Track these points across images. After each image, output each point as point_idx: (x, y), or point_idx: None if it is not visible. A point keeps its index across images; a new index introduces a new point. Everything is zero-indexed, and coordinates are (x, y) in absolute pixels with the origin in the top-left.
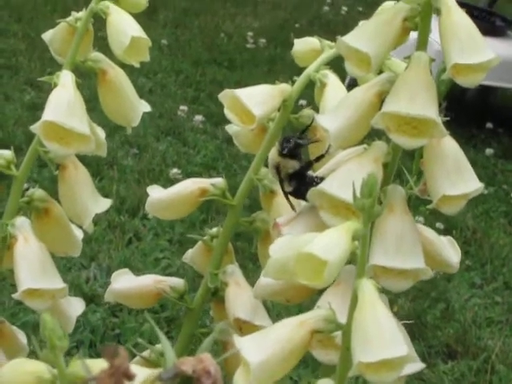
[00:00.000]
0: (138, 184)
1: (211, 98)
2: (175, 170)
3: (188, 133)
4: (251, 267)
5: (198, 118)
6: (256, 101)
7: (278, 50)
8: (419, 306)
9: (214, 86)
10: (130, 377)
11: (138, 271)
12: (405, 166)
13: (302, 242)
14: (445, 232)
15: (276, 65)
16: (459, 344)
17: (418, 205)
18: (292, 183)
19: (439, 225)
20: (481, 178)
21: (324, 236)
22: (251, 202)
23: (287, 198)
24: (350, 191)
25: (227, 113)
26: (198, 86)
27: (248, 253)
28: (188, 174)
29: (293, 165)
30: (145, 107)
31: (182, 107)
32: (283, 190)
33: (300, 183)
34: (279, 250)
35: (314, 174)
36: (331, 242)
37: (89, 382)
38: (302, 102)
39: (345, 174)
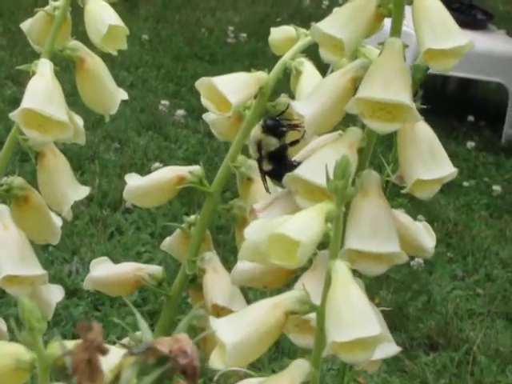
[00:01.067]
0: (119, 178)
1: (192, 93)
2: (157, 165)
3: (169, 127)
4: (232, 260)
5: (180, 112)
6: (232, 88)
7: (259, 44)
8: (401, 298)
9: (195, 80)
10: (104, 351)
11: None
12: (385, 158)
13: (276, 223)
14: None
15: (257, 59)
16: (441, 336)
17: (396, 193)
18: (271, 163)
19: (420, 217)
20: (462, 171)
21: (297, 217)
22: (232, 195)
23: (264, 179)
24: (324, 177)
25: (204, 101)
26: (179, 80)
27: (229, 246)
28: None
29: (274, 143)
30: (122, 95)
31: (163, 102)
32: (261, 168)
33: (279, 164)
34: (254, 232)
35: (293, 158)
36: (304, 223)
37: (64, 357)
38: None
39: (320, 160)
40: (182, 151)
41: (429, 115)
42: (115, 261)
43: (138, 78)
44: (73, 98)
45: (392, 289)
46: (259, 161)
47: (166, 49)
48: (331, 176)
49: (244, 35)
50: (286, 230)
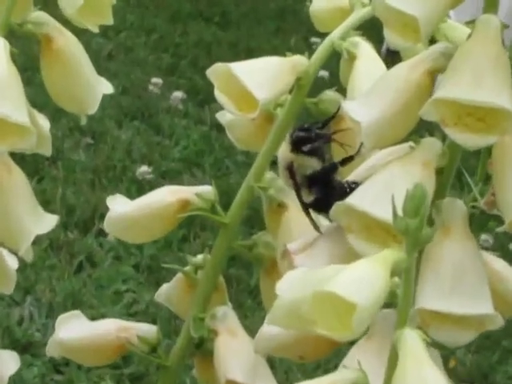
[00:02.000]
0: (91, 187)
1: (195, 68)
2: (144, 168)
3: (163, 116)
4: (249, 304)
5: (177, 94)
6: (259, 80)
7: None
8: (485, 361)
9: (200, 50)
10: None
11: (91, 309)
12: (466, 169)
13: (322, 277)
14: None
15: (286, 21)
16: None
17: (485, 222)
18: (313, 190)
19: None
20: None
21: (352, 269)
22: (251, 212)
23: (307, 213)
24: (388, 207)
25: (219, 96)
26: (178, 50)
27: (245, 284)
28: (162, 174)
29: (312, 164)
30: (105, 88)
31: (154, 80)
32: (301, 200)
33: (325, 190)
34: (290, 288)
35: (344, 180)
36: (362, 278)
37: None
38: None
39: (382, 184)
40: (179, 149)
41: None
42: (84, 303)
43: (119, 47)
44: (27, 74)
45: (473, 347)
46: (297, 190)
47: (159, 5)
48: (400, 211)
49: None
50: (338, 288)
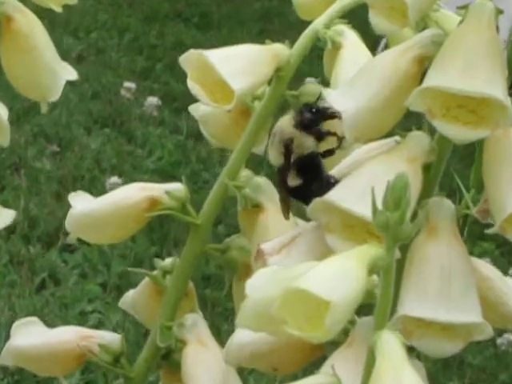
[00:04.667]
0: (56, 198)
1: (172, 72)
2: (114, 179)
3: (135, 123)
4: (226, 328)
5: (152, 100)
6: (236, 68)
7: (275, 1)
8: None
9: (178, 53)
10: None
11: None
12: (462, 180)
13: (294, 274)
14: None
15: (271, 23)
16: None
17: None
18: (301, 175)
19: None
20: None
21: (326, 265)
22: (228, 229)
23: (284, 201)
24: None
25: (191, 85)
26: (153, 52)
27: (222, 308)
28: None
29: (311, 145)
30: (69, 73)
31: (127, 84)
32: (283, 183)
33: (313, 178)
34: (260, 286)
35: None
36: (336, 275)
37: None
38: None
39: (366, 180)
40: (153, 160)
41: None
42: (47, 324)
43: (89, 48)
44: None
45: (468, 379)
46: (283, 171)
47: (134, 3)
48: (380, 205)
49: None
50: (310, 284)
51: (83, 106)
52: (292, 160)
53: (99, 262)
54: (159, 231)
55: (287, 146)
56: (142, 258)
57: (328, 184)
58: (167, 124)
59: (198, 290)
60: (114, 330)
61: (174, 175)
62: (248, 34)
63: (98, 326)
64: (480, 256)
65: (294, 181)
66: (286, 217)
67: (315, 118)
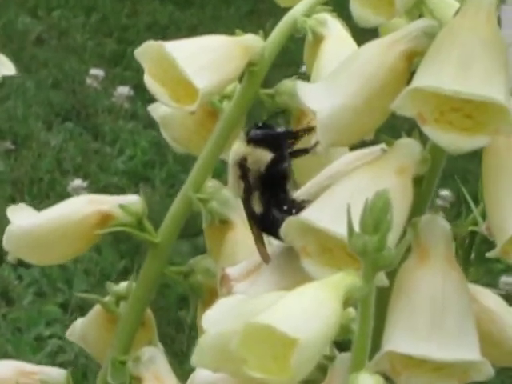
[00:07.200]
0: (11, 204)
1: None
2: (78, 182)
3: (103, 117)
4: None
5: (123, 90)
6: (201, 63)
7: None
8: None
9: (153, 34)
10: None
11: (5, 358)
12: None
13: (258, 306)
14: None
15: (262, 1)
16: None
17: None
18: (264, 199)
19: None
20: None
21: (294, 297)
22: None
23: (254, 228)
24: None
25: (149, 82)
26: (124, 34)
27: (195, 333)
28: (100, 189)
29: (268, 158)
30: (6, 68)
31: (93, 71)
32: (249, 209)
33: (277, 201)
34: (219, 319)
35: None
36: (305, 308)
37: None
38: None
39: (347, 196)
40: (123, 160)
41: None
42: None
43: (51, 29)
44: None
45: None
46: (246, 197)
47: None
48: (357, 226)
49: None
50: (274, 319)
51: (42, 97)
52: (251, 180)
53: (59, 279)
54: (128, 242)
55: (242, 166)
56: (109, 273)
57: (296, 203)
58: (140, 118)
59: (172, 312)
60: (76, 358)
61: (148, 177)
62: (236, 14)
63: (57, 353)
64: (503, 272)
65: (257, 206)
66: (258, 240)
67: (266, 136)
